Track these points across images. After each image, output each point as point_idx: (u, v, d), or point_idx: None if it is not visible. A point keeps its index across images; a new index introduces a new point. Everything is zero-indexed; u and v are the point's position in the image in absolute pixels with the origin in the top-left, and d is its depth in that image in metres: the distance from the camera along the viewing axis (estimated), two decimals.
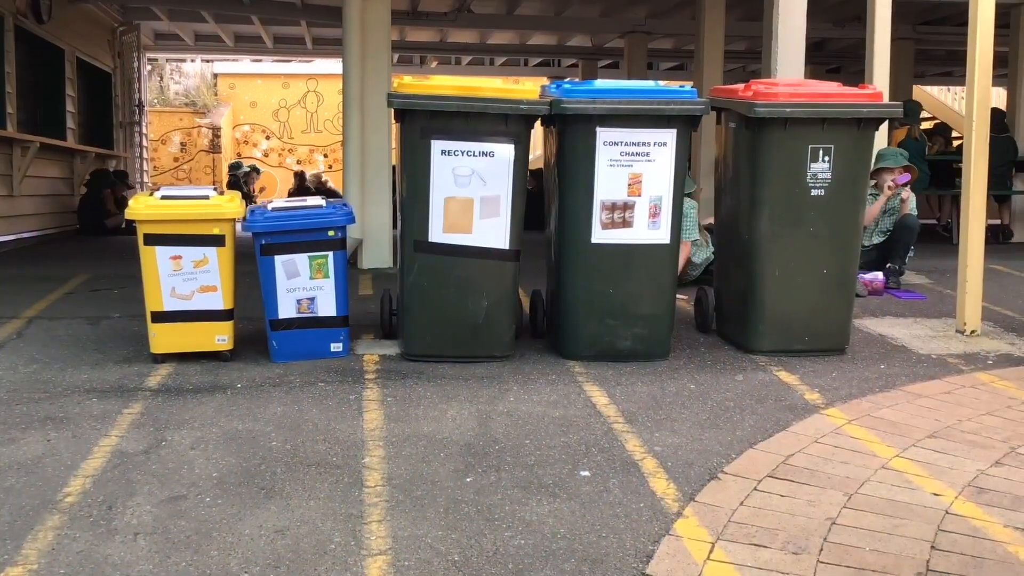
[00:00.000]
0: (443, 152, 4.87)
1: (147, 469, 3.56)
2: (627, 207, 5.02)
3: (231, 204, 4.97)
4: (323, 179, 17.48)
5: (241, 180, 16.01)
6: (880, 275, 7.21)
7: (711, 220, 6.51)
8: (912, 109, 11.38)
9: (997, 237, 11.22)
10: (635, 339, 5.12)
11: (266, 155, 23.21)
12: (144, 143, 16.20)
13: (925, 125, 14.11)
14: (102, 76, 14.28)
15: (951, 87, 20.74)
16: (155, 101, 21.25)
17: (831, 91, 5.30)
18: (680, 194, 5.08)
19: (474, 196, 4.92)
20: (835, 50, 16.56)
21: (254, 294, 5.11)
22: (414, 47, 16.83)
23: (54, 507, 3.21)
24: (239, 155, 22.60)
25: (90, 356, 5.15)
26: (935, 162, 11.25)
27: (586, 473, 3.56)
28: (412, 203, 4.95)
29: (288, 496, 3.32)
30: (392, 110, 4.95)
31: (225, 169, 21.37)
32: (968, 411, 4.35)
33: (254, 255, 4.98)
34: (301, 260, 4.98)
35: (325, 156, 23.21)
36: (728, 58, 12.65)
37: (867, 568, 2.85)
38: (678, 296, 5.56)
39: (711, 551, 2.95)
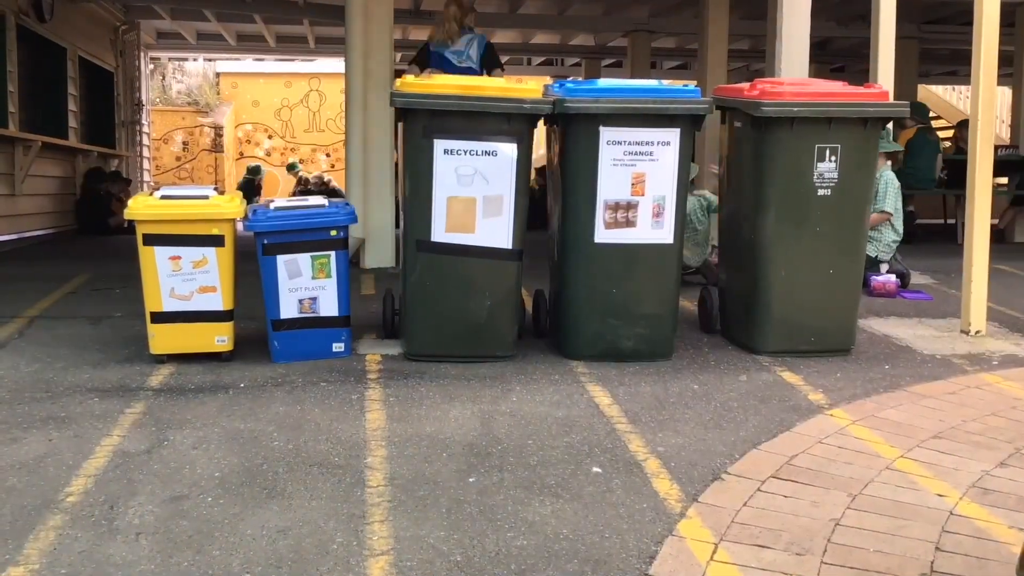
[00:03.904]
0: (446, 151, 4.86)
1: (149, 469, 3.55)
2: (630, 207, 5.00)
3: (231, 204, 4.96)
4: (325, 179, 17.50)
5: (255, 183, 16.11)
6: (893, 277, 7.19)
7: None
8: (919, 109, 11.33)
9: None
10: (638, 339, 5.11)
11: (268, 154, 23.21)
12: (146, 142, 16.20)
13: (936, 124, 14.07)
14: (104, 75, 14.27)
15: (956, 86, 20.71)
16: (157, 100, 21.25)
17: (837, 90, 5.29)
18: (684, 194, 5.07)
19: (477, 195, 4.90)
20: (839, 49, 16.53)
21: (255, 294, 5.09)
22: (417, 46, 16.78)
23: (56, 507, 3.21)
24: (241, 154, 22.61)
25: (92, 356, 5.14)
26: (953, 161, 11.12)
27: (589, 473, 3.55)
28: (415, 202, 4.93)
29: (290, 496, 3.32)
30: (394, 109, 4.94)
31: (227, 169, 21.40)
32: (973, 412, 4.33)
33: (255, 254, 4.97)
34: (303, 260, 4.97)
35: (328, 155, 23.21)
36: (732, 57, 12.63)
37: (871, 569, 2.84)
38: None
39: (714, 552, 2.94)
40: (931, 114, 15.75)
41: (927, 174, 10.96)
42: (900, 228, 7.50)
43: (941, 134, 16.66)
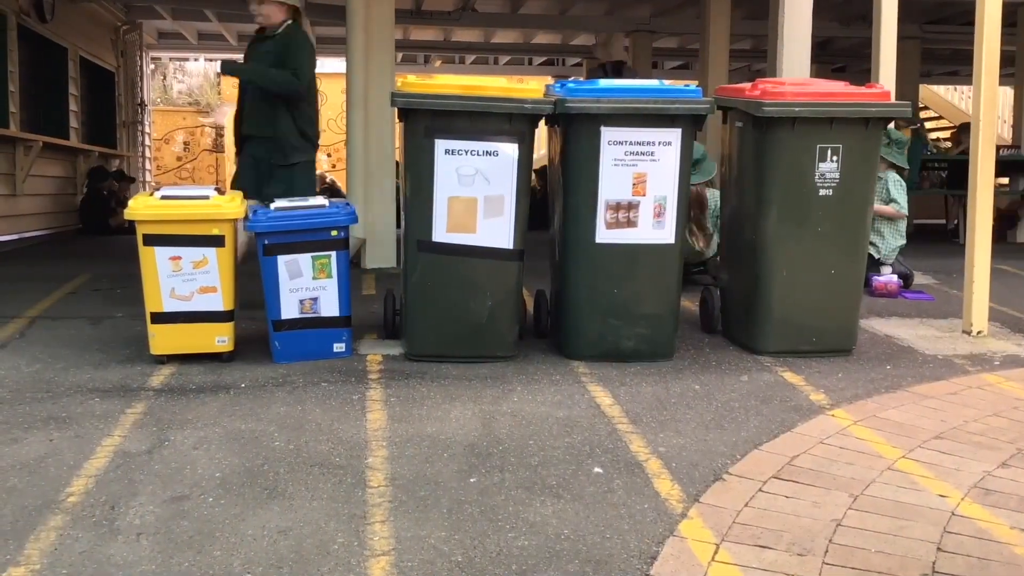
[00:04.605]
0: (447, 151, 4.86)
1: (150, 469, 3.55)
2: (631, 207, 5.00)
3: (231, 204, 4.95)
4: (328, 179, 17.49)
5: None
6: (895, 277, 7.19)
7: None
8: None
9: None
10: (639, 339, 5.11)
11: None
12: (147, 142, 16.20)
13: (935, 123, 14.06)
14: (105, 75, 14.28)
15: (957, 86, 20.71)
16: (158, 100, 21.28)
17: (838, 90, 5.28)
18: (685, 194, 5.07)
19: (478, 196, 4.90)
20: (841, 49, 16.53)
21: (256, 294, 5.09)
22: (418, 46, 16.82)
23: (56, 507, 3.21)
24: None
25: (93, 356, 5.14)
26: (955, 162, 11.11)
27: (591, 474, 3.55)
28: (415, 203, 4.93)
29: (291, 496, 3.31)
30: (396, 109, 4.93)
31: (228, 169, 21.38)
32: (974, 412, 4.33)
33: (256, 254, 4.97)
34: (304, 260, 4.96)
35: (328, 155, 23.18)
36: (733, 57, 12.63)
37: (872, 570, 2.83)
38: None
39: (716, 552, 2.93)
40: (932, 113, 15.80)
41: (913, 174, 10.99)
42: (904, 231, 7.51)
43: (941, 134, 16.67)
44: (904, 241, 7.49)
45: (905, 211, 7.36)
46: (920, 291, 7.29)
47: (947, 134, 15.91)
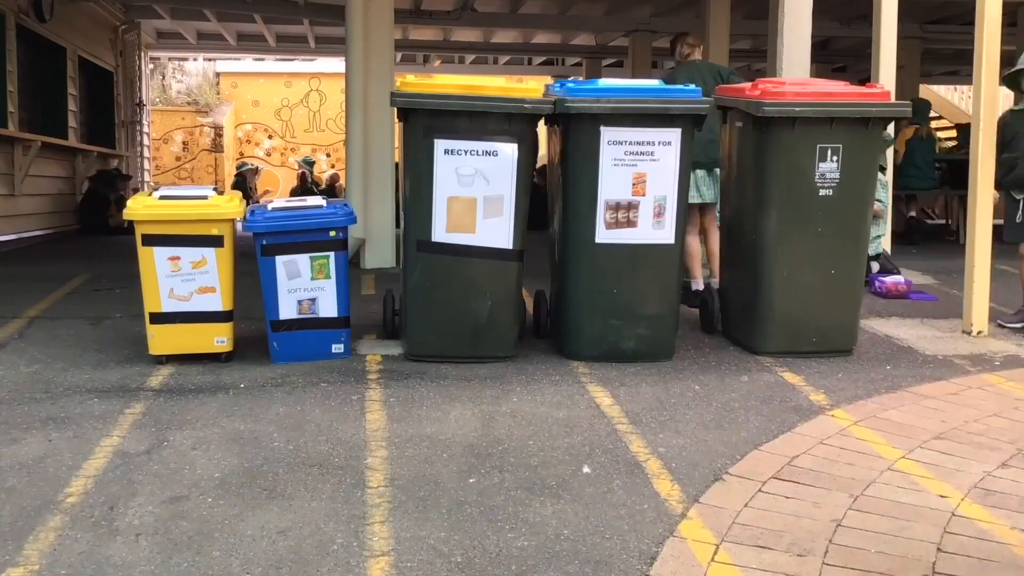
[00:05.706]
0: (446, 151, 4.85)
1: (149, 469, 3.54)
2: (631, 207, 4.99)
3: (230, 204, 4.95)
4: (339, 183, 17.49)
5: (247, 179, 16.06)
6: (901, 278, 7.19)
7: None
8: (921, 108, 11.32)
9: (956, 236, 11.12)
10: (639, 340, 5.10)
11: (268, 154, 23.21)
12: (146, 142, 16.19)
13: (939, 124, 14.04)
14: (104, 75, 14.27)
15: (958, 86, 20.69)
16: (157, 100, 21.25)
17: (838, 90, 5.28)
18: (685, 194, 5.06)
19: (477, 196, 4.89)
20: (841, 49, 16.53)
21: (255, 294, 5.09)
22: (417, 46, 16.81)
23: (55, 507, 3.20)
24: (241, 154, 22.60)
25: (92, 356, 5.13)
26: (955, 162, 11.10)
27: (590, 473, 3.54)
28: (415, 203, 4.92)
29: (290, 497, 3.31)
30: (395, 109, 4.93)
31: (227, 169, 21.40)
32: (975, 412, 4.32)
33: (255, 255, 4.96)
34: (302, 260, 4.96)
35: (328, 155, 23.20)
36: (733, 57, 12.64)
37: (872, 570, 2.83)
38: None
39: (715, 553, 2.93)
40: (932, 113, 15.78)
41: (928, 172, 10.98)
42: (880, 221, 7.55)
43: (942, 134, 16.67)
44: (883, 230, 7.55)
45: (881, 201, 7.39)
46: (921, 291, 7.28)
47: (953, 133, 15.89)
